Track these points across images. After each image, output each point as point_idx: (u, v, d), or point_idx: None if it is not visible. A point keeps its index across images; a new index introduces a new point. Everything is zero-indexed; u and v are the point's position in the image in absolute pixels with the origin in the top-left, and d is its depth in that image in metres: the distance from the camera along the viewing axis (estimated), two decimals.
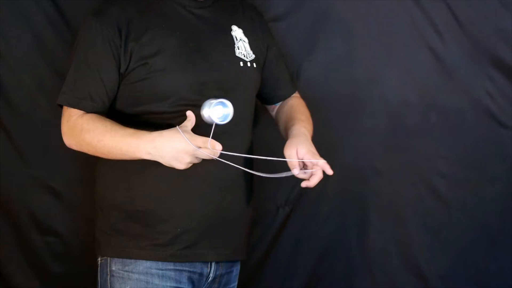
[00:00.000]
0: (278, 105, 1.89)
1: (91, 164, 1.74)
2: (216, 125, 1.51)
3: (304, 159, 1.62)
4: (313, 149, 1.65)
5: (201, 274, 1.66)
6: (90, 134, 1.56)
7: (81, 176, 2.04)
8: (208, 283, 1.68)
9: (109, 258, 1.64)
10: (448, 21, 2.11)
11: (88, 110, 1.60)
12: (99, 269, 1.68)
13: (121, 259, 1.62)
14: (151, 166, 1.57)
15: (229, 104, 1.52)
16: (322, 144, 2.15)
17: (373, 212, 2.18)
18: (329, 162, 2.14)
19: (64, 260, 2.11)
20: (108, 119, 1.59)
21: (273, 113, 1.90)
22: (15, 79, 2.04)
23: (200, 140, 1.48)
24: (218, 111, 1.52)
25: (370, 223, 2.18)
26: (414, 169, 2.16)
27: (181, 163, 1.50)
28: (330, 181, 2.14)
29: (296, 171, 1.61)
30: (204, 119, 1.53)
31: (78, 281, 2.10)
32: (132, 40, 1.59)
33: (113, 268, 1.63)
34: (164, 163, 1.52)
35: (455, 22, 2.10)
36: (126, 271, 1.62)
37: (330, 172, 1.62)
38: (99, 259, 1.68)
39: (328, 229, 2.18)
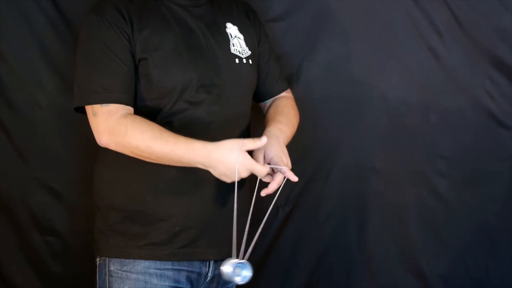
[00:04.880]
0: (268, 103, 1.88)
1: (91, 164, 1.74)
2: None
3: (270, 164, 1.61)
4: (281, 152, 1.62)
5: (199, 274, 1.66)
6: (138, 137, 1.53)
7: (81, 176, 2.04)
8: (206, 282, 1.68)
9: (107, 258, 1.64)
10: (448, 21, 2.11)
11: (125, 102, 1.57)
12: (97, 269, 1.68)
13: (119, 259, 1.62)
14: (148, 166, 1.58)
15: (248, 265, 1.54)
16: (322, 144, 2.17)
17: (373, 212, 2.18)
18: (329, 162, 2.16)
19: (64, 260, 2.12)
20: (153, 123, 1.56)
21: (264, 112, 1.88)
22: (15, 79, 2.04)
23: (251, 165, 1.52)
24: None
25: (370, 223, 2.18)
26: (414, 169, 2.16)
27: (231, 178, 1.53)
28: (330, 181, 2.16)
29: (267, 179, 1.60)
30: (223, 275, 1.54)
31: (78, 281, 2.10)
32: (136, 31, 1.59)
33: (112, 268, 1.63)
34: (215, 175, 1.54)
35: (455, 22, 2.10)
36: (125, 271, 1.62)
37: (294, 179, 1.59)
38: (97, 259, 1.68)
39: (328, 229, 2.18)
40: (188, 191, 1.62)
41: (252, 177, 1.68)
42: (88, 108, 1.59)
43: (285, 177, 1.60)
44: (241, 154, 1.49)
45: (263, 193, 1.61)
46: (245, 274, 1.53)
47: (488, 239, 2.17)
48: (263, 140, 1.53)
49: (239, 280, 1.53)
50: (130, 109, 1.59)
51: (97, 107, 1.58)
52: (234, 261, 1.53)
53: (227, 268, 1.52)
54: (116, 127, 1.55)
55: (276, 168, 1.59)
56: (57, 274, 2.12)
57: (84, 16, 1.65)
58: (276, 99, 1.87)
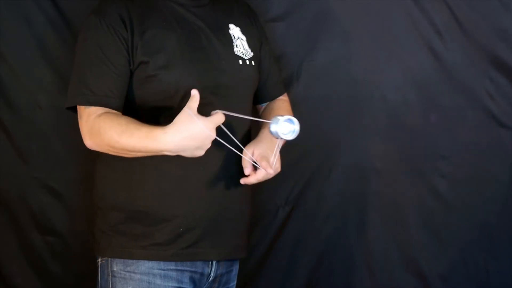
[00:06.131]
0: (264, 105, 1.88)
1: (91, 165, 1.73)
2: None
3: (256, 160, 1.62)
4: (270, 152, 1.64)
5: (202, 274, 1.66)
6: (108, 134, 1.52)
7: (81, 176, 2.05)
8: (208, 282, 1.68)
9: (110, 258, 1.64)
10: (448, 21, 2.11)
11: (109, 106, 1.57)
12: (99, 269, 1.67)
13: (122, 260, 1.62)
14: (151, 166, 1.58)
15: (295, 121, 1.57)
16: (322, 144, 2.17)
17: (373, 212, 2.18)
18: (329, 162, 2.16)
19: (64, 260, 2.12)
20: (123, 117, 1.55)
21: (260, 114, 1.88)
22: (15, 79, 2.05)
23: (212, 121, 1.47)
24: (285, 127, 1.57)
25: (370, 223, 2.18)
26: (414, 169, 2.16)
27: (204, 149, 1.49)
28: (330, 181, 2.16)
29: (247, 171, 1.61)
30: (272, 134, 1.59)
31: (78, 281, 2.11)
32: (137, 35, 1.58)
33: (115, 269, 1.62)
34: (188, 156, 1.50)
35: (455, 22, 2.10)
36: (128, 271, 1.61)
37: (269, 171, 1.61)
38: (99, 259, 1.67)
39: (328, 229, 2.18)
40: (193, 192, 1.61)
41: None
42: (78, 109, 1.60)
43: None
44: (200, 119, 1.45)
45: (242, 181, 1.63)
46: (292, 128, 1.56)
47: (488, 239, 2.17)
48: (194, 92, 1.48)
49: (289, 136, 1.56)
50: (111, 111, 1.57)
51: (82, 109, 1.58)
52: (280, 118, 1.56)
53: (273, 127, 1.57)
54: (93, 128, 1.55)
55: (260, 164, 1.61)
56: (57, 274, 2.12)
57: (84, 16, 1.65)
58: (272, 102, 1.87)
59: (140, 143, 1.50)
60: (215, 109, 1.52)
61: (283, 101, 1.88)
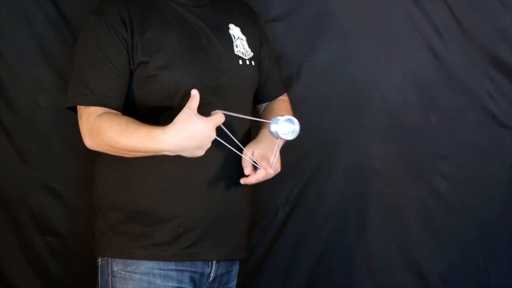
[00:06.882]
0: (264, 105, 1.88)
1: (91, 165, 1.73)
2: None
3: (257, 160, 1.63)
4: (270, 152, 1.64)
5: (202, 274, 1.66)
6: (108, 134, 1.52)
7: (81, 176, 2.05)
8: (208, 282, 1.68)
9: (110, 258, 1.64)
10: (448, 21, 2.11)
11: (109, 106, 1.57)
12: (99, 269, 1.67)
13: (122, 260, 1.62)
14: (151, 166, 1.58)
15: (295, 121, 1.57)
16: (322, 144, 2.17)
17: (373, 212, 2.18)
18: (329, 162, 2.16)
19: (64, 260, 2.12)
20: (123, 117, 1.55)
21: (260, 114, 1.88)
22: (15, 79, 2.05)
23: (212, 121, 1.47)
24: (285, 127, 1.57)
25: (370, 223, 2.18)
26: (414, 169, 2.16)
27: (204, 149, 1.49)
28: (330, 181, 2.16)
29: (247, 171, 1.62)
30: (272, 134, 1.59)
31: (78, 281, 2.11)
32: (137, 35, 1.58)
33: (115, 269, 1.62)
34: (188, 156, 1.50)
35: (455, 22, 2.11)
36: (128, 271, 1.61)
37: (269, 171, 1.61)
38: (99, 259, 1.67)
39: (328, 229, 2.18)
40: (193, 192, 1.61)
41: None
42: (78, 109, 1.60)
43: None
44: (200, 119, 1.45)
45: (242, 181, 1.63)
46: (292, 128, 1.57)
47: (488, 239, 2.17)
48: (194, 92, 1.48)
49: (289, 136, 1.57)
50: (111, 111, 1.57)
51: (82, 109, 1.58)
52: (280, 118, 1.57)
53: (273, 127, 1.57)
54: (93, 128, 1.55)
55: (259, 164, 1.61)
56: (57, 274, 2.12)
57: (84, 16, 1.65)
58: (272, 102, 1.87)
59: (140, 143, 1.50)
60: (215, 109, 1.52)
61: (283, 101, 1.88)
